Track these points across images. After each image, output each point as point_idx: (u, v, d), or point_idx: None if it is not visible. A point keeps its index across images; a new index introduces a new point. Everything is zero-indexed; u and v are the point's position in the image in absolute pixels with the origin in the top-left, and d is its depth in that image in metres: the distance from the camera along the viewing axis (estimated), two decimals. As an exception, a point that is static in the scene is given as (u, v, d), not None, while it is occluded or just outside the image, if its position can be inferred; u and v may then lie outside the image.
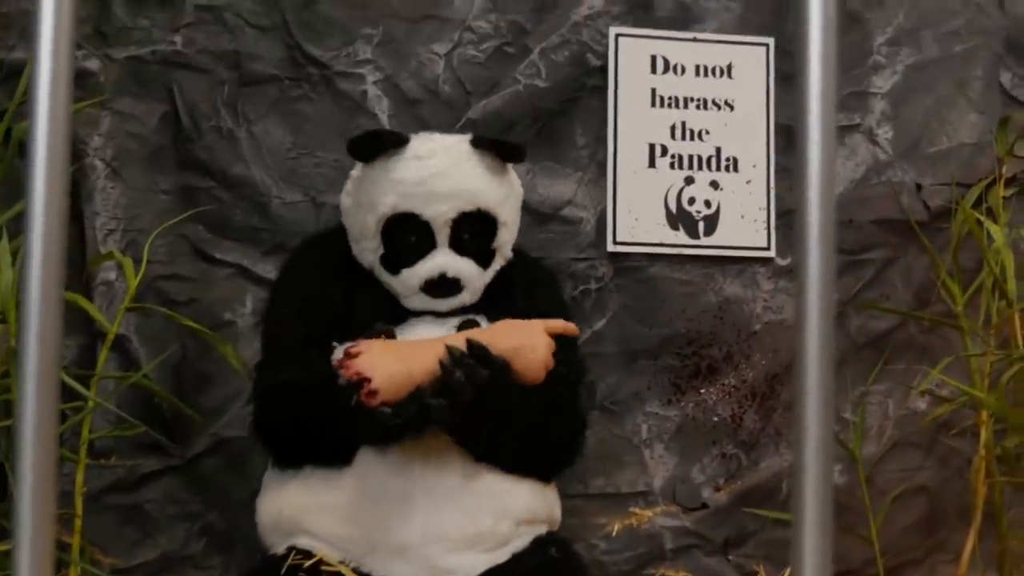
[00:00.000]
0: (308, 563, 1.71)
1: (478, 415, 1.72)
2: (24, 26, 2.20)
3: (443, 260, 1.87)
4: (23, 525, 0.92)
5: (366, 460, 1.78)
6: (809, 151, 0.92)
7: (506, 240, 1.97)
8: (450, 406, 1.68)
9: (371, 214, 1.87)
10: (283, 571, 1.70)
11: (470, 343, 1.73)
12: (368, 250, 1.90)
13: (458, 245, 1.88)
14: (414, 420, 1.67)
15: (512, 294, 1.98)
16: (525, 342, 1.80)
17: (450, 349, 1.71)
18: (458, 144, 1.91)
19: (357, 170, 1.94)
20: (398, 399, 1.66)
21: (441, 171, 1.87)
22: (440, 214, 1.86)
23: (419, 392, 1.68)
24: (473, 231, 1.90)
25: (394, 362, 1.69)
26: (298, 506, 1.80)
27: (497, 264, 1.96)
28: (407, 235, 1.87)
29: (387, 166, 1.87)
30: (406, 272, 1.88)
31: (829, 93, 0.92)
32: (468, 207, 1.88)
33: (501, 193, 1.94)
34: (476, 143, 1.92)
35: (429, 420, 1.68)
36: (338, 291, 1.91)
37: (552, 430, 1.87)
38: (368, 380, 1.65)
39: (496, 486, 1.81)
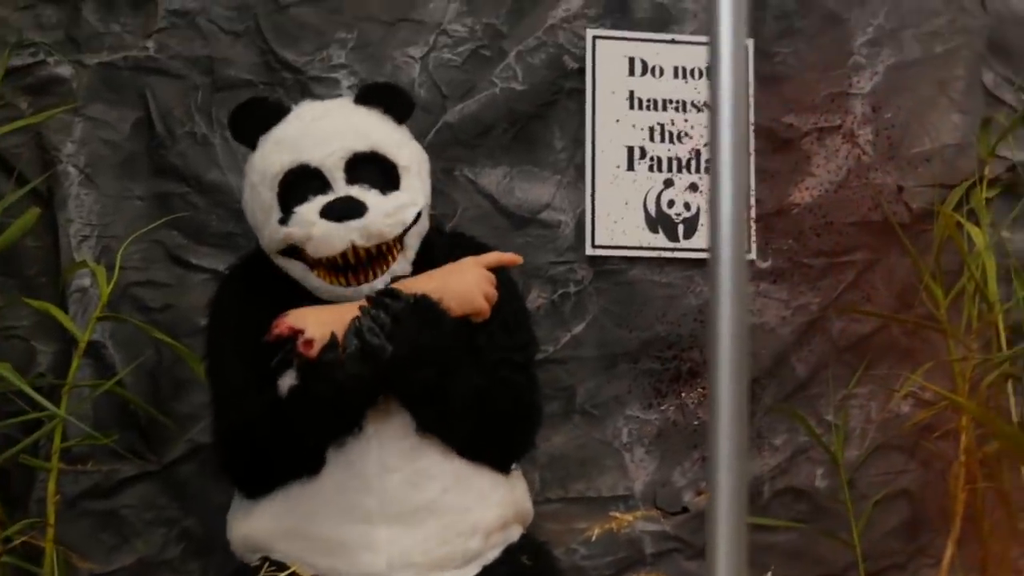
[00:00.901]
0: (283, 575, 1.70)
1: (413, 352, 1.67)
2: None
3: (345, 189, 1.75)
4: None
5: (328, 484, 1.74)
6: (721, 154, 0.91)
7: (415, 187, 1.82)
8: (382, 332, 1.65)
9: (264, 185, 1.79)
10: None
11: (382, 289, 1.73)
12: (272, 226, 1.78)
13: (357, 185, 1.76)
14: (355, 362, 1.64)
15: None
16: (450, 273, 1.77)
17: (367, 297, 1.72)
18: (341, 100, 1.91)
19: (246, 164, 1.88)
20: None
21: (322, 116, 1.83)
22: (328, 155, 1.76)
23: (351, 331, 1.66)
24: (372, 174, 1.77)
25: (323, 313, 1.70)
26: (265, 531, 1.77)
27: (405, 211, 1.77)
28: (302, 191, 1.75)
29: (270, 136, 1.83)
30: (300, 209, 1.73)
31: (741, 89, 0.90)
32: (359, 146, 1.78)
33: (396, 137, 1.85)
34: (359, 98, 1.87)
35: (367, 354, 1.65)
36: (266, 315, 1.76)
37: (502, 410, 1.80)
38: (301, 331, 1.66)
39: (464, 503, 1.76)
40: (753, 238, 2.45)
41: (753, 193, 2.45)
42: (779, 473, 2.43)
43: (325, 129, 1.80)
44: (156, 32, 2.26)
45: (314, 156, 1.77)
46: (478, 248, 1.92)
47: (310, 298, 1.79)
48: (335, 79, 2.31)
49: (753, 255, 2.45)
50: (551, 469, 2.33)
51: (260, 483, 1.78)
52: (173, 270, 2.26)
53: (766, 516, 2.38)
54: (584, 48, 2.40)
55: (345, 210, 1.71)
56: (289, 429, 1.71)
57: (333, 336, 1.66)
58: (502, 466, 1.84)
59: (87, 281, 2.20)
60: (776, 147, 2.47)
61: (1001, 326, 2.35)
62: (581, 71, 2.40)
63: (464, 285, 1.76)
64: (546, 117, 2.40)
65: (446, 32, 2.36)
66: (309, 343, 1.66)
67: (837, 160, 2.50)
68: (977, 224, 2.42)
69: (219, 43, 2.28)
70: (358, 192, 1.74)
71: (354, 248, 1.72)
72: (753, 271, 2.45)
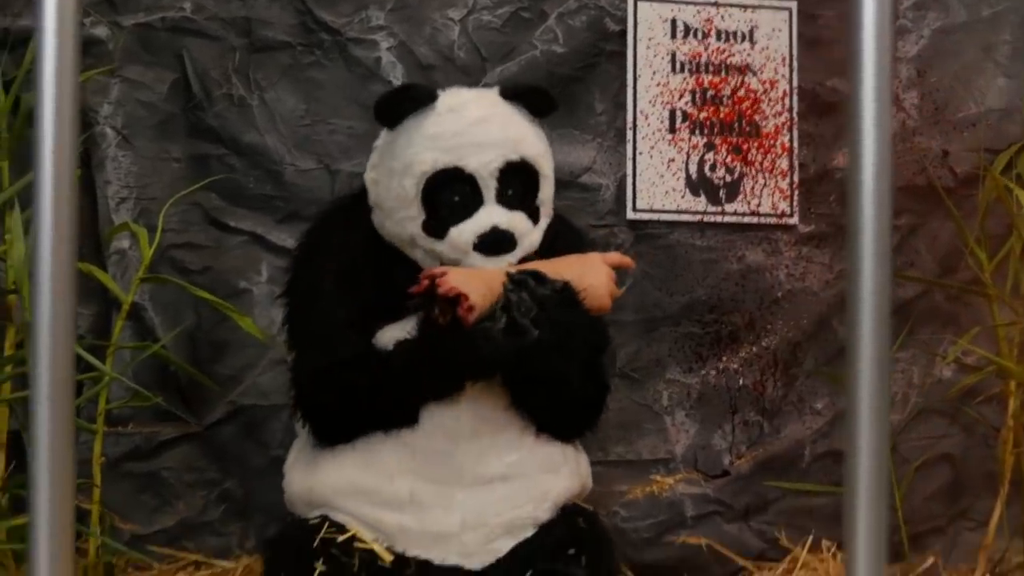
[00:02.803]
0: (342, 538, 1.69)
1: (552, 338, 1.69)
2: (34, -7, 2.18)
3: (494, 214, 1.76)
4: (40, 498, 0.91)
5: (410, 445, 1.75)
6: (863, 118, 0.89)
7: (548, 196, 1.87)
8: (527, 318, 1.67)
9: (408, 177, 1.76)
10: (315, 544, 1.68)
11: (528, 270, 1.73)
12: (407, 219, 1.77)
13: (505, 200, 1.77)
14: (504, 336, 1.66)
15: (556, 254, 1.87)
16: (583, 267, 1.79)
17: (510, 274, 1.70)
18: (490, 94, 1.85)
19: (381, 139, 1.84)
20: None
21: (480, 118, 1.79)
22: (485, 164, 1.75)
23: (503, 307, 1.67)
24: (519, 184, 1.79)
25: (477, 280, 1.68)
26: (330, 486, 1.77)
27: (543, 222, 1.85)
28: (451, 193, 1.75)
29: (419, 123, 1.77)
30: (454, 231, 1.75)
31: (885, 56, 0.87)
32: (513, 155, 1.78)
33: (541, 144, 1.86)
34: (505, 93, 1.84)
35: (514, 332, 1.66)
36: (370, 267, 1.81)
37: (584, 391, 1.84)
38: (465, 296, 1.63)
39: (537, 473, 1.79)
40: (795, 202, 2.42)
41: (796, 156, 2.42)
42: (820, 437, 2.41)
43: (484, 135, 1.77)
44: (194, -8, 2.24)
45: (471, 163, 1.76)
46: (581, 237, 1.99)
47: (412, 264, 1.81)
48: (373, 40, 2.28)
49: (795, 219, 2.42)
50: (592, 432, 2.32)
51: (342, 430, 1.77)
52: (211, 232, 2.25)
53: (807, 480, 2.37)
54: (625, 10, 2.37)
55: (498, 246, 1.76)
56: (392, 381, 1.70)
57: (493, 308, 1.66)
58: (571, 438, 1.89)
59: (126, 243, 2.19)
60: (820, 111, 2.44)
61: (1048, 290, 2.32)
62: (622, 33, 2.37)
63: (598, 281, 1.78)
64: (587, 80, 2.37)
65: (486, -7, 2.33)
66: (471, 309, 1.64)
67: (881, 123, 2.46)
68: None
69: (256, 4, 2.26)
70: (506, 219, 1.76)
71: None
72: (796, 235, 2.42)
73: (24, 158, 2.08)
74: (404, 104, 1.80)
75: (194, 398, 2.21)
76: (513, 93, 1.85)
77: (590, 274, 1.79)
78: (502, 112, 1.82)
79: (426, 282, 1.66)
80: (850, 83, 0.93)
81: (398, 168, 1.77)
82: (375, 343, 1.75)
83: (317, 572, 1.66)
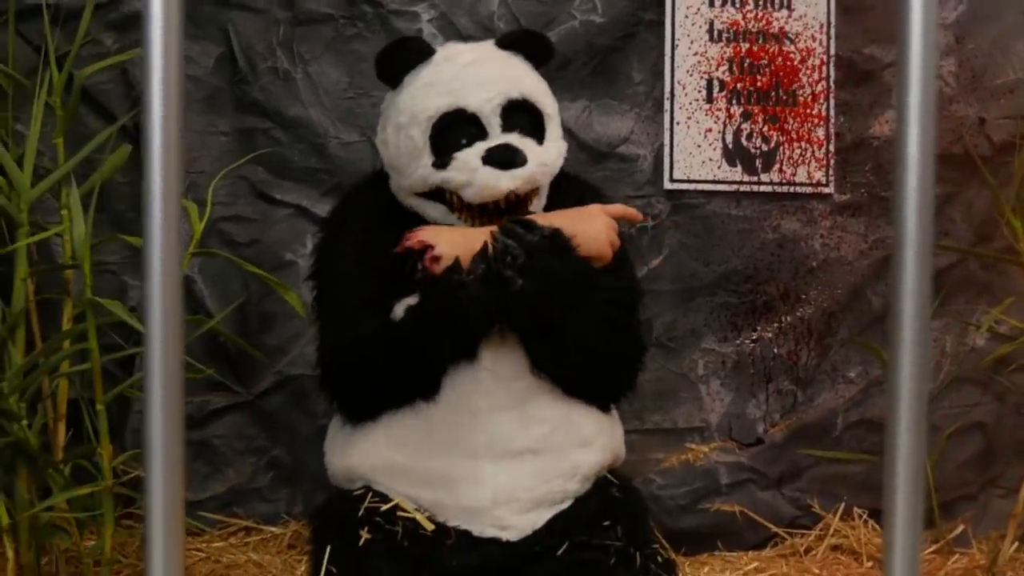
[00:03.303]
0: (385, 507, 1.75)
1: (542, 285, 1.71)
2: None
3: (502, 137, 1.79)
4: (155, 488, 0.93)
5: (438, 420, 1.79)
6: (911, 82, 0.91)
7: (558, 136, 1.89)
8: (515, 263, 1.69)
9: (414, 127, 1.80)
10: (360, 513, 1.74)
11: (516, 218, 1.76)
12: (419, 169, 1.81)
13: (513, 133, 1.80)
14: (481, 285, 1.68)
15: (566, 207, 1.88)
16: (580, 217, 1.81)
17: (499, 226, 1.74)
18: (485, 44, 1.91)
19: (386, 102, 1.91)
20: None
21: (475, 60, 1.84)
22: (486, 101, 1.79)
23: (481, 255, 1.70)
24: (524, 121, 1.82)
25: (454, 234, 1.74)
26: (367, 464, 1.82)
27: (556, 157, 1.86)
28: (458, 135, 1.79)
29: (418, 76, 1.83)
30: (461, 155, 1.77)
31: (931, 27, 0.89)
32: (514, 93, 1.81)
33: (542, 85, 1.89)
34: (501, 42, 1.90)
35: (495, 282, 1.68)
36: (386, 242, 1.81)
37: (609, 349, 1.83)
38: (431, 247, 1.69)
39: (568, 446, 1.81)
40: (831, 172, 2.43)
41: (832, 125, 2.43)
42: (852, 405, 2.45)
43: (481, 74, 1.82)
44: (238, -33, 2.26)
45: (471, 101, 1.79)
46: (597, 194, 1.96)
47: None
48: (415, 12, 2.30)
49: (831, 188, 2.44)
50: (628, 401, 2.35)
51: (368, 407, 1.81)
52: (258, 205, 2.29)
53: (839, 448, 2.41)
54: (664, -21, 2.37)
55: (508, 158, 1.75)
56: (403, 349, 1.73)
57: (457, 260, 1.69)
58: (605, 403, 1.90)
59: (176, 217, 2.23)
60: (857, 79, 2.44)
61: (1083, 260, 2.34)
62: (660, 2, 2.38)
63: (594, 229, 1.79)
64: (625, 50, 2.38)
65: (526, -36, 2.34)
66: (436, 259, 1.69)
67: (918, 92, 2.46)
68: (1061, 156, 2.39)
69: (300, -23, 2.27)
70: (516, 140, 1.77)
71: (509, 194, 1.76)
72: (831, 204, 2.44)
73: (78, 134, 2.12)
74: (401, 57, 1.85)
75: (243, 368, 2.27)
76: (509, 41, 1.90)
77: (586, 223, 1.79)
78: (498, 55, 1.88)
79: (405, 243, 1.72)
80: (897, 54, 0.95)
81: (404, 122, 1.83)
82: (392, 316, 1.77)
83: (362, 540, 1.72)
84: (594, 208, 1.84)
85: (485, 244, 1.71)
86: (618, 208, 1.89)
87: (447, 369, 1.77)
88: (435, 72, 1.83)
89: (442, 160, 1.78)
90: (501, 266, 1.70)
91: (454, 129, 1.79)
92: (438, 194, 1.82)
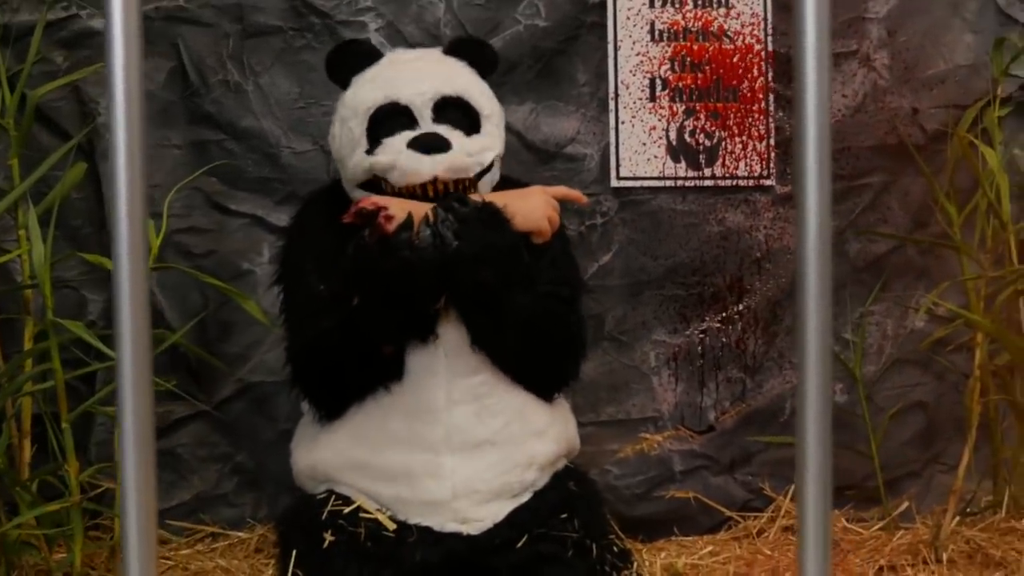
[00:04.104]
0: (347, 510, 1.80)
1: (477, 250, 1.77)
2: (28, -13, 2.22)
3: (432, 127, 1.89)
4: (129, 504, 0.95)
5: (396, 416, 1.85)
6: (806, 81, 0.96)
7: (493, 135, 1.96)
8: (451, 230, 1.76)
9: (355, 119, 1.91)
10: (323, 517, 1.79)
11: (453, 194, 1.84)
12: (357, 156, 1.90)
13: (443, 125, 1.89)
14: (428, 244, 1.75)
15: None
16: (518, 195, 1.89)
17: (438, 201, 1.82)
18: (432, 51, 2.05)
19: (338, 101, 2.01)
20: None
21: (416, 58, 1.99)
22: (419, 94, 1.90)
23: (425, 221, 1.77)
24: (457, 117, 1.91)
25: (403, 203, 1.82)
26: (330, 462, 1.89)
27: (489, 152, 1.92)
28: (390, 125, 1.88)
29: (363, 76, 1.95)
30: (388, 140, 1.87)
31: (823, 24, 0.95)
32: (447, 89, 1.91)
33: (480, 87, 1.98)
34: (447, 50, 2.01)
35: (437, 242, 1.75)
36: (342, 242, 1.86)
37: (550, 337, 1.90)
38: (384, 207, 1.77)
39: (523, 438, 1.89)
40: (772, 164, 2.51)
41: (772, 119, 2.51)
42: (800, 390, 2.52)
43: (417, 71, 1.93)
44: (186, -18, 2.28)
45: (404, 94, 1.89)
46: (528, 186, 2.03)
47: None
48: (362, 22, 2.34)
49: (772, 181, 2.51)
50: (583, 394, 2.43)
51: (336, 397, 1.88)
52: (213, 216, 2.33)
53: (788, 432, 2.49)
54: (605, -18, 2.43)
55: (431, 144, 1.84)
56: (363, 323, 1.78)
57: (410, 215, 1.77)
58: (547, 393, 1.96)
59: (132, 230, 2.26)
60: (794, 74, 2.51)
61: (1013, 243, 2.43)
62: (602, 5, 2.44)
63: (529, 205, 1.88)
64: (569, 52, 2.44)
65: (470, -29, 2.39)
66: (389, 218, 1.77)
67: (854, 85, 2.55)
68: (990, 144, 2.48)
69: (247, -10, 2.31)
70: (443, 130, 1.87)
71: (435, 182, 1.84)
72: (773, 196, 2.52)
73: (30, 150, 2.14)
74: (350, 58, 1.97)
75: (204, 377, 2.31)
76: (454, 48, 2.01)
77: (523, 200, 1.88)
78: (440, 59, 1.99)
79: (355, 206, 1.80)
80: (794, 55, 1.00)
81: (347, 115, 1.94)
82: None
83: (326, 542, 1.78)
84: (534, 188, 1.94)
85: (427, 213, 1.79)
86: (560, 189, 1.99)
87: (406, 345, 1.84)
88: (378, 71, 1.95)
89: (373, 147, 1.88)
90: (442, 228, 1.77)
91: (387, 120, 1.89)
92: (375, 185, 1.90)
